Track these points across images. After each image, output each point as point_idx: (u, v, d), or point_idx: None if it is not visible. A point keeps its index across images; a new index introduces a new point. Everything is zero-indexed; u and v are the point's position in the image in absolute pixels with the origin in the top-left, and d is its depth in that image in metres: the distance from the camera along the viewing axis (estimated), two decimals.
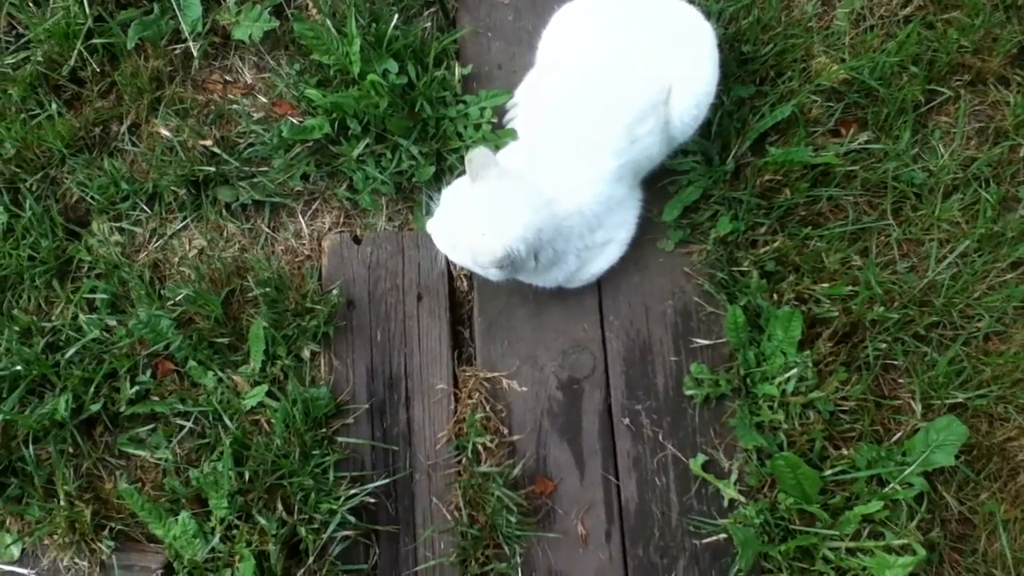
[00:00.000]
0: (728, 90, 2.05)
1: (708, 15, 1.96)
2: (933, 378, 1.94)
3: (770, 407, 1.90)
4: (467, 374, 1.95)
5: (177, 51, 2.10)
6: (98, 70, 2.06)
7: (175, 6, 2.07)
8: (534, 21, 2.10)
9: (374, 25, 2.01)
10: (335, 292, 1.91)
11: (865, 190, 2.06)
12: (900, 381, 1.98)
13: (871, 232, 2.03)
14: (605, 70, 1.78)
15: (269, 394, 1.88)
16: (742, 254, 2.00)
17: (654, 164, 1.92)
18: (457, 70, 2.06)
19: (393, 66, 1.98)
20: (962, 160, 2.11)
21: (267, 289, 1.89)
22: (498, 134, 1.98)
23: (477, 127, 2.01)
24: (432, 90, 2.01)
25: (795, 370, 1.89)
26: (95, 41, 2.05)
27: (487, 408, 1.91)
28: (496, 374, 1.95)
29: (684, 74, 1.81)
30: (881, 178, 2.05)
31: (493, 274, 1.78)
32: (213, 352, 1.93)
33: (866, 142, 2.08)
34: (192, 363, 1.92)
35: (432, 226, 1.78)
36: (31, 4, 2.08)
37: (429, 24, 2.13)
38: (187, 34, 2.07)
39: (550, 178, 1.75)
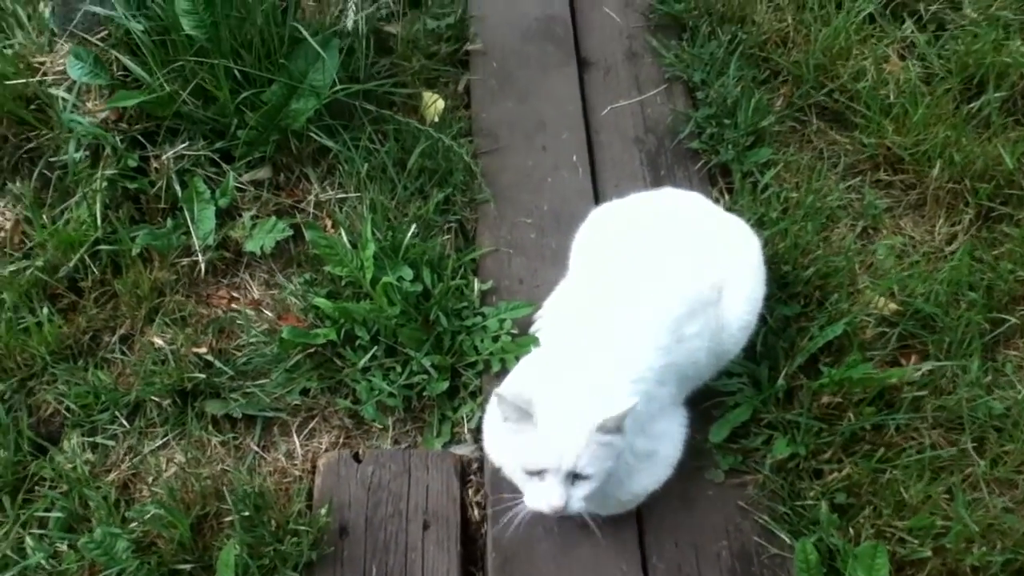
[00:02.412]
0: (771, 310, 2.01)
1: None
2: None
3: None
4: None
5: (184, 263, 2.13)
6: (99, 278, 2.08)
7: (188, 220, 2.14)
8: (558, 239, 2.15)
9: (391, 234, 2.05)
10: (324, 512, 1.72)
11: (937, 421, 1.93)
12: None
13: (955, 468, 1.86)
14: (653, 262, 1.76)
15: None
16: (805, 485, 1.82)
17: (700, 379, 1.83)
18: (476, 285, 2.06)
19: (408, 273, 1.99)
20: None
21: (244, 507, 1.71)
22: (518, 342, 1.91)
23: (495, 339, 1.96)
24: (449, 301, 1.99)
25: None
26: (101, 248, 2.09)
27: None
28: None
29: (735, 276, 1.80)
30: (955, 409, 1.93)
31: (618, 443, 1.55)
32: None
33: (930, 372, 1.99)
34: None
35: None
36: (45, 219, 2.16)
37: (448, 238, 2.18)
38: (197, 246, 2.12)
39: (583, 378, 1.64)
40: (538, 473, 1.54)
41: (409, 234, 2.06)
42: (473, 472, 1.90)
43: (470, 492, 1.86)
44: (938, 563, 1.70)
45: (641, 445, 1.68)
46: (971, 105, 2.49)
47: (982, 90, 2.53)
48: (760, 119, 2.40)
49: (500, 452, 1.70)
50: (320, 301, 1.99)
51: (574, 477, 1.53)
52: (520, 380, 1.68)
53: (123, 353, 2.02)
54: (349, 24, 2.15)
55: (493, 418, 1.70)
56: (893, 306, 2.12)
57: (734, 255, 1.84)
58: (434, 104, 2.42)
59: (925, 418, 1.91)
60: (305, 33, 2.16)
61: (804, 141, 2.50)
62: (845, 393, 1.89)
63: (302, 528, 1.69)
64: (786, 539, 1.77)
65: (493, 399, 1.71)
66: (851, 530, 1.75)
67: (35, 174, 2.23)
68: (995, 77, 2.52)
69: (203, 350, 1.97)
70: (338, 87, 2.23)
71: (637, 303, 1.71)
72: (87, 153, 2.24)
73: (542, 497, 1.53)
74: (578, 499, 1.54)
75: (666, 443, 1.74)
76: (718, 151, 2.38)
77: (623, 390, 1.63)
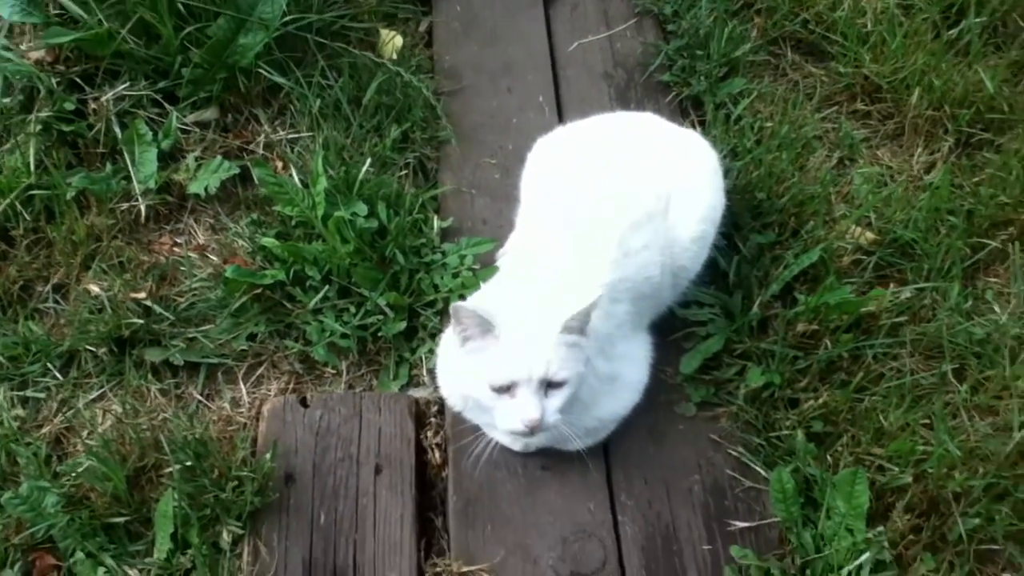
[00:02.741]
0: (745, 239, 1.92)
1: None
2: None
3: None
4: (436, 568, 1.58)
5: (124, 208, 2.02)
6: (31, 225, 1.97)
7: (128, 163, 2.03)
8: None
9: (344, 170, 1.94)
10: (268, 457, 1.61)
11: (917, 348, 1.84)
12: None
13: (935, 395, 1.77)
14: (596, 181, 1.68)
15: None
16: (781, 415, 1.73)
17: (661, 301, 1.74)
18: (436, 222, 1.96)
19: (362, 209, 1.88)
20: None
21: (184, 456, 1.60)
22: (479, 275, 1.81)
23: (456, 276, 1.86)
24: (406, 238, 1.89)
25: (867, 554, 1.53)
26: (34, 192, 1.97)
27: None
28: (475, 568, 1.57)
29: (685, 187, 1.71)
30: (935, 335, 1.84)
31: (584, 344, 1.49)
32: (108, 540, 1.59)
33: (909, 297, 1.90)
34: (79, 555, 1.57)
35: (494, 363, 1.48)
36: None
37: (406, 173, 2.07)
38: (137, 190, 2.00)
39: (536, 296, 1.55)
40: (508, 389, 1.46)
41: (364, 168, 1.95)
42: (433, 415, 1.80)
43: (429, 435, 1.76)
44: (919, 490, 1.61)
45: (602, 367, 1.59)
46: (951, 32, 2.39)
47: (962, 17, 2.44)
48: (733, 49, 2.30)
49: (460, 384, 1.61)
50: (268, 241, 1.88)
51: (547, 386, 1.46)
52: (478, 298, 1.60)
53: (57, 303, 1.91)
54: None
55: (448, 348, 1.61)
56: (870, 235, 2.03)
57: (683, 166, 1.75)
58: (392, 41, 2.31)
59: (904, 344, 1.82)
60: None
61: (779, 74, 2.40)
62: (821, 320, 1.79)
63: (245, 475, 1.59)
64: (761, 471, 1.68)
65: (447, 331, 1.62)
66: (829, 459, 1.66)
67: None
68: (975, 3, 2.43)
69: (142, 295, 1.86)
70: (289, 18, 2.12)
71: (581, 219, 1.63)
72: (21, 97, 2.12)
73: (516, 414, 1.45)
74: (553, 411, 1.47)
75: (629, 365, 1.66)
76: (690, 83, 2.28)
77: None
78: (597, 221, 1.63)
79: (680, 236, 1.69)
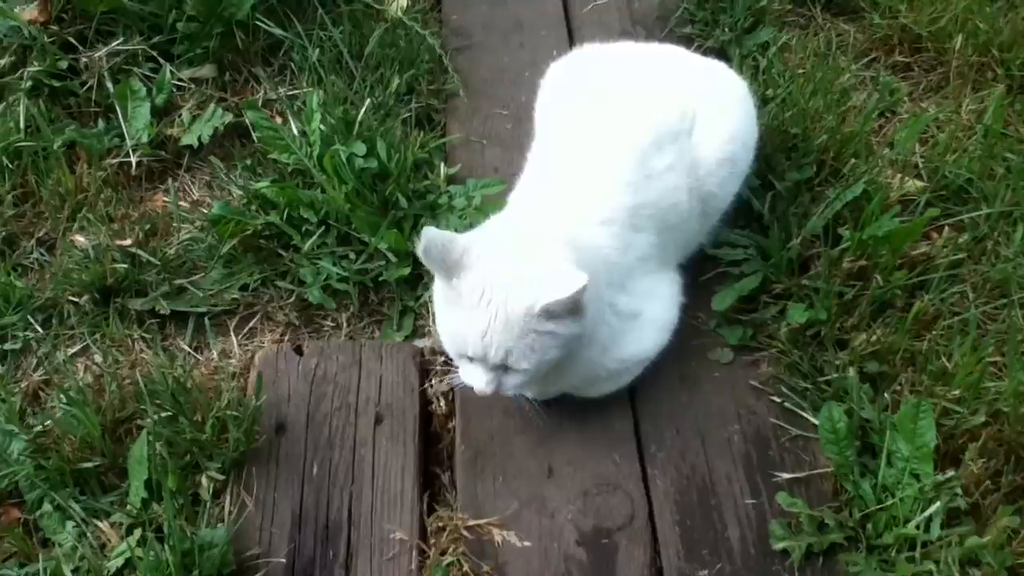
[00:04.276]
0: (780, 178, 1.75)
1: None
2: None
3: (910, 559, 1.29)
4: (441, 522, 1.39)
5: (116, 164, 1.89)
6: (18, 180, 1.84)
7: (120, 118, 1.91)
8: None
9: (342, 111, 1.80)
10: (254, 403, 1.44)
11: (979, 292, 1.64)
12: None
13: (1005, 337, 1.57)
14: (613, 100, 1.52)
15: (144, 543, 1.33)
16: (829, 356, 1.53)
17: (688, 233, 1.56)
18: (442, 169, 1.81)
19: (361, 148, 1.73)
20: None
21: (161, 393, 1.44)
22: (486, 211, 1.64)
23: (462, 218, 1.70)
24: (410, 180, 1.74)
25: (938, 503, 1.32)
26: (22, 144, 1.85)
27: (469, 570, 1.33)
28: (484, 521, 1.38)
29: (712, 106, 1.55)
30: (1000, 277, 1.64)
31: (564, 332, 1.26)
32: (79, 491, 1.42)
33: (967, 240, 1.71)
34: (47, 507, 1.40)
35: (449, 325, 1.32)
36: None
37: (409, 119, 1.93)
38: (129, 144, 1.88)
39: (552, 218, 1.39)
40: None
41: (363, 109, 1.81)
42: (440, 364, 1.62)
43: (435, 382, 1.58)
44: (993, 432, 1.40)
45: (623, 304, 1.41)
46: None
47: None
48: (758, 1, 2.16)
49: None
50: (262, 186, 1.74)
51: (504, 367, 1.28)
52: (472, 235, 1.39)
53: (42, 255, 1.77)
54: None
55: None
56: (919, 183, 1.85)
57: (711, 88, 1.60)
58: (397, 1, 2.20)
59: (964, 282, 1.63)
60: None
61: (809, 32, 2.25)
62: (870, 256, 1.61)
63: (229, 415, 1.42)
64: (809, 418, 1.48)
65: None
66: (886, 398, 1.46)
67: None
68: None
69: (127, 242, 1.72)
70: None
71: (598, 139, 1.47)
72: (12, 58, 2.02)
73: (471, 378, 1.31)
74: (513, 385, 1.30)
75: (654, 302, 1.47)
76: (713, 35, 2.13)
77: (589, 236, 1.38)
78: (614, 140, 1.46)
79: (706, 156, 1.52)
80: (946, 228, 1.77)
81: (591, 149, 1.47)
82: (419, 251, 1.25)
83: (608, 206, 1.41)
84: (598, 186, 1.43)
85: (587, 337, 1.33)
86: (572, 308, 1.23)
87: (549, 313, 1.22)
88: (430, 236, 1.23)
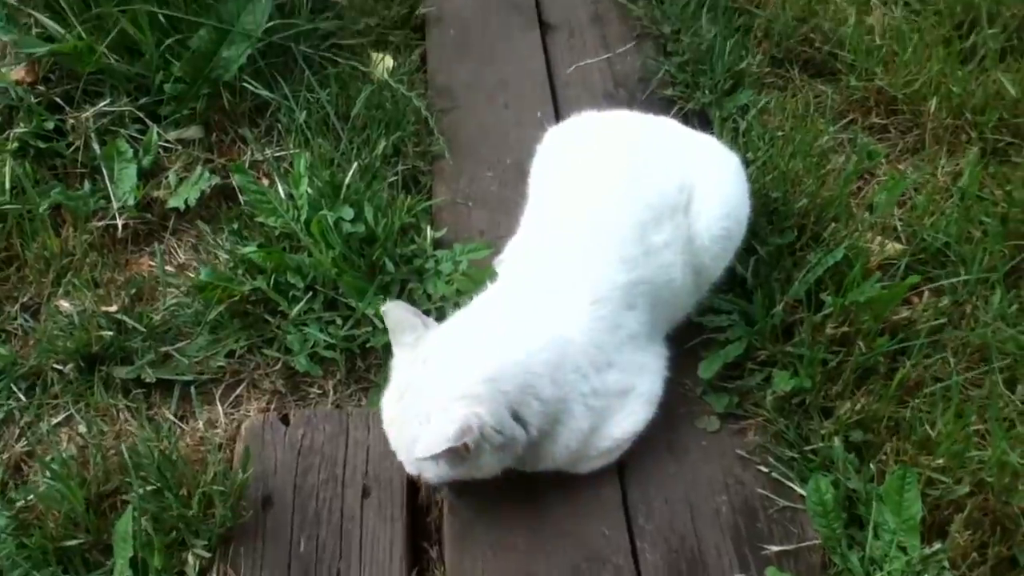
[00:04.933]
0: (763, 240, 1.76)
1: None
2: None
3: None
4: None
5: (102, 227, 1.88)
6: (3, 244, 1.82)
7: (106, 179, 1.90)
8: (523, 191, 1.89)
9: (330, 175, 1.80)
10: (242, 472, 1.42)
11: (960, 357, 1.66)
12: None
13: (987, 404, 1.58)
14: (612, 171, 1.53)
15: None
16: (815, 425, 1.54)
17: (680, 308, 1.57)
18: (429, 232, 1.81)
19: (348, 212, 1.73)
20: None
21: (147, 467, 1.41)
22: (474, 277, 1.65)
23: (449, 283, 1.70)
24: (396, 244, 1.74)
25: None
26: (7, 207, 1.83)
27: None
28: None
29: (708, 181, 1.56)
30: (979, 339, 1.66)
31: (485, 464, 1.34)
32: (63, 568, 1.39)
33: (951, 303, 1.73)
34: None
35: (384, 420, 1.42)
36: None
37: (395, 180, 1.93)
38: (115, 207, 1.87)
39: (537, 300, 1.40)
40: None
41: (351, 172, 1.81)
42: None
43: None
44: (979, 503, 1.41)
45: (613, 382, 1.42)
46: (964, 43, 2.29)
47: (974, 29, 2.33)
48: (738, 61, 2.19)
49: None
50: (250, 251, 1.73)
51: None
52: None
53: (26, 321, 1.75)
54: None
55: None
56: (898, 246, 1.87)
57: (706, 162, 1.61)
58: (382, 62, 2.21)
59: (944, 349, 1.64)
60: None
61: (788, 92, 2.28)
62: (852, 322, 1.62)
63: (215, 490, 1.40)
64: (796, 488, 1.48)
65: None
66: (872, 468, 1.46)
67: None
68: (987, 17, 2.33)
69: (113, 308, 1.70)
70: (274, 24, 2.03)
71: (596, 212, 1.48)
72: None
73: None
74: (438, 477, 1.34)
75: (644, 377, 1.47)
76: (694, 97, 2.16)
77: (584, 312, 1.39)
78: (612, 214, 1.47)
79: (702, 232, 1.53)
80: (926, 292, 1.80)
81: (587, 222, 1.48)
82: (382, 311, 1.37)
83: (603, 284, 1.42)
84: (593, 263, 1.44)
85: (553, 427, 1.34)
86: (451, 456, 1.27)
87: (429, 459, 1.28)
88: (389, 310, 1.36)
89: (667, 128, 1.72)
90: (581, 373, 1.38)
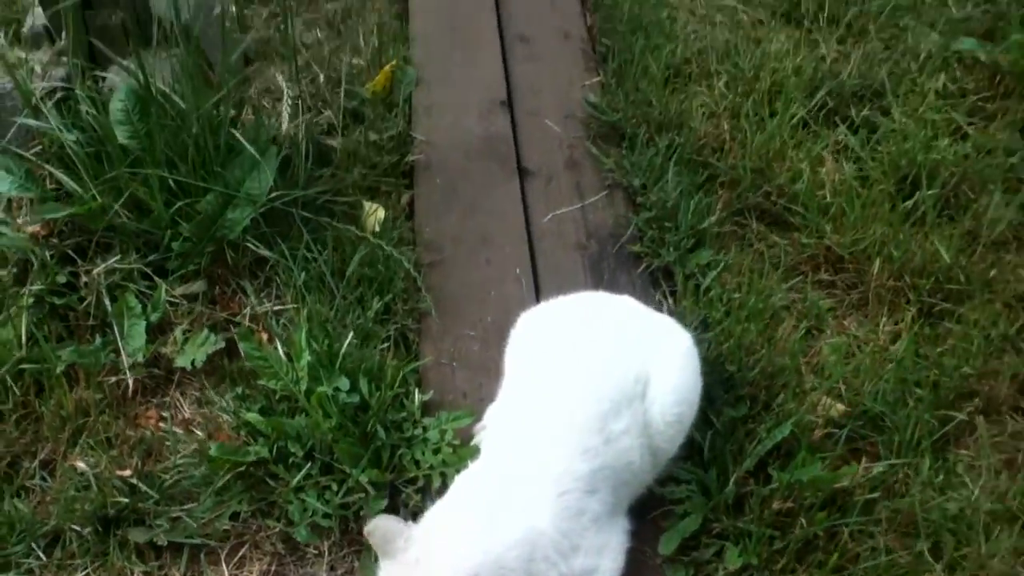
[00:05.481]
0: (718, 413, 1.97)
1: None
2: None
3: None
4: None
5: (112, 382, 2.04)
6: (21, 399, 1.98)
7: (117, 335, 2.06)
8: (503, 352, 2.07)
9: (327, 343, 1.98)
10: None
11: (891, 525, 1.86)
12: None
13: (913, 574, 1.79)
14: (574, 362, 1.73)
15: None
16: None
17: (639, 484, 1.76)
18: (417, 396, 1.99)
19: (345, 384, 1.91)
20: (996, 495, 1.95)
21: None
22: (458, 453, 1.84)
23: (436, 451, 1.88)
24: (387, 413, 1.92)
25: None
26: (25, 367, 1.99)
27: None
28: None
29: (662, 369, 1.76)
30: (909, 511, 1.87)
31: None
32: None
33: (882, 472, 1.93)
34: None
35: None
36: None
37: (387, 346, 2.11)
38: (125, 363, 2.03)
39: (510, 492, 1.58)
40: None
41: (346, 342, 2.00)
42: None
43: None
44: None
45: (579, 565, 1.59)
46: (906, 203, 2.52)
47: (916, 188, 2.57)
48: (700, 221, 2.41)
49: None
50: (252, 416, 1.90)
51: None
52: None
53: (44, 479, 1.91)
54: (284, 127, 2.13)
55: None
56: (840, 407, 2.08)
57: (659, 348, 1.81)
58: (375, 213, 2.40)
59: (879, 521, 1.85)
60: (242, 140, 2.14)
61: (745, 243, 2.50)
62: (796, 497, 1.82)
63: None
64: None
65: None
66: None
67: None
68: (927, 175, 2.57)
69: (127, 473, 1.86)
70: (275, 194, 2.21)
71: (558, 407, 1.67)
72: (15, 270, 2.17)
73: None
74: None
75: (606, 556, 1.65)
76: (660, 254, 2.37)
77: (549, 504, 1.57)
78: (574, 407, 1.66)
79: (656, 418, 1.72)
80: (864, 459, 2.01)
81: (553, 415, 1.67)
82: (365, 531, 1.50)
83: (567, 476, 1.60)
84: (559, 454, 1.62)
85: None
86: None
87: None
88: (374, 528, 1.49)
89: (626, 311, 1.91)
90: (551, 562, 1.56)
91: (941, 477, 1.95)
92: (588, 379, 1.71)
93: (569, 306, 1.92)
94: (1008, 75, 2.91)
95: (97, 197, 2.15)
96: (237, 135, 2.14)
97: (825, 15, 3.19)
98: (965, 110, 2.82)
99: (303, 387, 1.91)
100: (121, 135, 2.12)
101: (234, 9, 2.61)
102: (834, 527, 1.82)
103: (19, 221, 2.23)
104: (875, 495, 1.87)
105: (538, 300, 2.29)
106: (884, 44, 3.11)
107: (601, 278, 2.35)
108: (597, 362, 1.74)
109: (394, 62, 2.80)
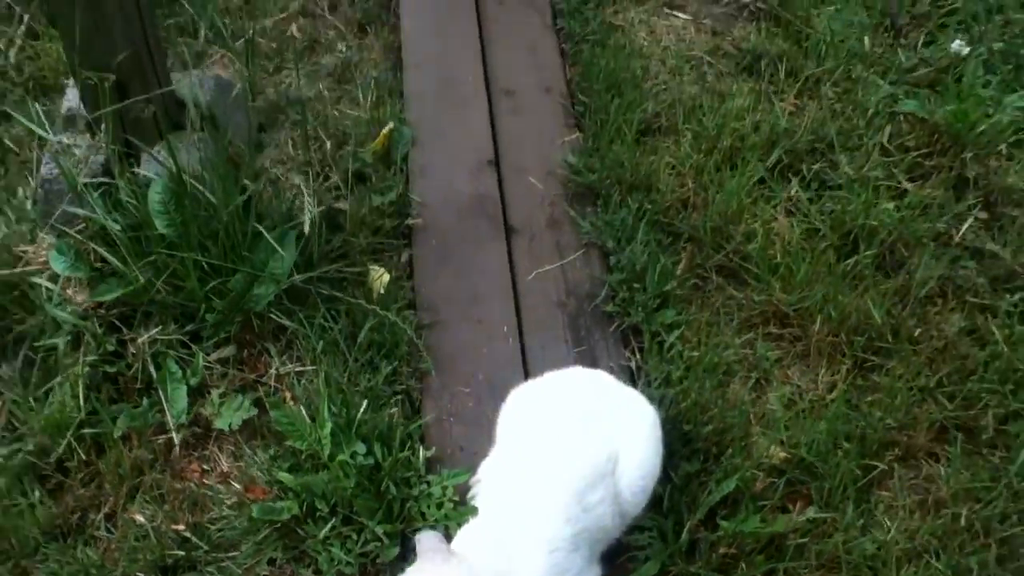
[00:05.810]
0: (676, 467, 2.33)
1: (652, 399, 2.32)
2: None
3: None
4: None
5: (160, 441, 2.39)
6: (84, 459, 2.32)
7: (162, 399, 2.40)
8: (493, 406, 2.41)
9: (344, 410, 2.33)
10: None
11: (820, 565, 2.25)
12: None
13: None
14: (556, 443, 2.08)
15: None
16: None
17: (610, 538, 2.13)
18: (421, 453, 2.35)
19: (361, 448, 2.27)
20: (909, 533, 2.33)
21: None
22: (459, 511, 2.20)
23: (439, 506, 2.24)
24: (397, 471, 2.28)
25: None
26: (85, 431, 2.33)
27: None
28: None
29: (629, 447, 2.11)
30: (833, 552, 2.25)
31: None
32: None
33: (813, 517, 2.31)
34: None
35: None
36: (32, 400, 2.40)
37: (396, 410, 2.47)
38: (171, 425, 2.38)
39: (506, 549, 1.94)
40: None
41: (361, 410, 2.35)
42: None
43: None
44: None
45: None
46: (846, 262, 2.87)
47: (858, 244, 2.92)
48: (665, 283, 2.75)
49: None
50: (284, 476, 2.26)
51: None
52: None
53: (108, 531, 2.26)
54: (306, 227, 2.45)
55: None
56: (783, 454, 2.45)
57: (628, 427, 2.15)
58: (380, 278, 2.73)
59: (809, 563, 2.23)
60: (265, 233, 2.46)
61: (705, 298, 2.83)
62: (739, 544, 2.20)
63: None
64: None
65: None
66: None
67: (20, 357, 2.48)
68: (866, 236, 2.91)
69: (181, 527, 2.22)
70: (296, 277, 2.54)
71: (544, 481, 2.01)
72: (68, 338, 2.49)
73: None
74: None
75: None
76: (630, 313, 2.71)
77: (541, 560, 1.94)
78: (557, 483, 2.01)
79: (624, 490, 2.08)
80: (799, 503, 2.39)
81: (539, 488, 2.01)
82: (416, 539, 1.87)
83: (556, 538, 1.96)
84: (547, 520, 1.97)
85: None
86: None
87: None
88: (422, 539, 1.83)
89: (600, 389, 2.25)
90: None
91: (862, 520, 2.33)
92: (568, 458, 2.05)
93: (551, 385, 2.27)
94: (944, 133, 3.24)
95: (140, 276, 2.47)
96: (260, 228, 2.46)
97: (783, 68, 3.50)
98: (906, 167, 3.16)
99: (326, 452, 2.26)
100: (159, 224, 2.43)
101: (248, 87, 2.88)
102: (771, 570, 2.21)
103: (70, 293, 2.55)
104: (805, 540, 2.26)
105: (524, 354, 2.64)
106: (837, 97, 3.43)
107: (579, 335, 2.69)
108: (575, 442, 2.08)
109: (391, 125, 3.10)
